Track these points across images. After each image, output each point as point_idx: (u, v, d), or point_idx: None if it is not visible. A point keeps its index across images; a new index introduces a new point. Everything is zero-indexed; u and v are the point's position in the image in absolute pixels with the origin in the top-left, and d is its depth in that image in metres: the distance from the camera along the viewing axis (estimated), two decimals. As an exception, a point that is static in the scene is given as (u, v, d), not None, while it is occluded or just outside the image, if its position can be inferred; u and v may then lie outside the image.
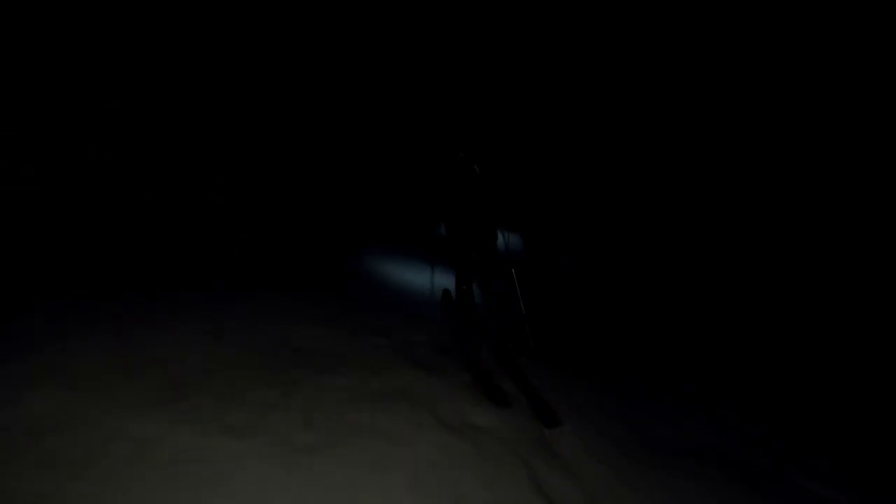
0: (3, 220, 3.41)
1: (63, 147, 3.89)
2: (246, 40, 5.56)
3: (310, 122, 6.55)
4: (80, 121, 3.99)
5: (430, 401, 2.38)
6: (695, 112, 6.89)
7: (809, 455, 3.25)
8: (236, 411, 1.96)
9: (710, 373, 4.63)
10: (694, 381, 4.35)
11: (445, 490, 1.83)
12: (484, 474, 1.97)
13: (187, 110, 5.00)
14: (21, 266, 3.03)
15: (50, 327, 2.35)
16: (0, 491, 1.44)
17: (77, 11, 3.99)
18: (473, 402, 2.52)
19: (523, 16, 7.28)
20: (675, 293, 6.30)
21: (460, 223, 3.43)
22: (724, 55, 6.50)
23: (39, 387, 1.87)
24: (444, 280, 5.01)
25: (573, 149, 7.70)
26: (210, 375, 2.18)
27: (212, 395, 2.03)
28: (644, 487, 2.32)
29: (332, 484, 1.71)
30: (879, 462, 3.31)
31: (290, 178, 6.10)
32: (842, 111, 5.78)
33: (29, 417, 1.71)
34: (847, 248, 5.49)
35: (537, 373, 3.30)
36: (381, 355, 2.77)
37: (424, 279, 4.97)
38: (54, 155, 3.83)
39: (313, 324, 3.00)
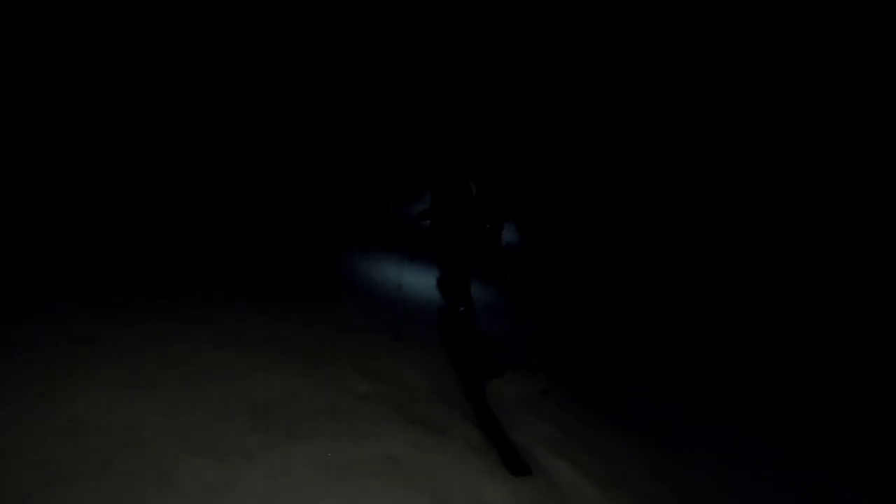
0: (3, 220, 3.41)
1: (63, 147, 3.88)
2: (246, 41, 5.56)
3: (309, 123, 6.55)
4: (80, 121, 3.99)
5: (429, 473, 1.88)
6: (695, 113, 6.89)
7: (810, 456, 3.25)
8: (165, 498, 1.47)
9: (710, 373, 4.63)
10: (694, 381, 4.35)
11: None
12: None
13: (187, 110, 4.99)
14: (20, 267, 3.02)
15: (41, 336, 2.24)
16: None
17: (77, 11, 3.98)
18: (484, 470, 2.00)
19: (523, 15, 7.28)
20: (675, 293, 6.30)
21: (456, 223, 3.36)
22: (725, 55, 6.50)
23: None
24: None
25: (573, 149, 7.69)
26: (143, 437, 1.71)
27: (142, 467, 1.56)
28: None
29: None
30: (880, 462, 3.31)
31: (290, 179, 6.09)
32: (842, 111, 5.78)
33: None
34: (847, 248, 5.49)
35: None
36: (369, 407, 2.22)
37: (420, 286, 4.66)
38: (54, 155, 3.82)
39: (290, 362, 2.45)
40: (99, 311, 2.57)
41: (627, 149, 7.47)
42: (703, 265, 6.42)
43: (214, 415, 1.91)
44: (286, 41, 6.07)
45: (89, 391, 1.89)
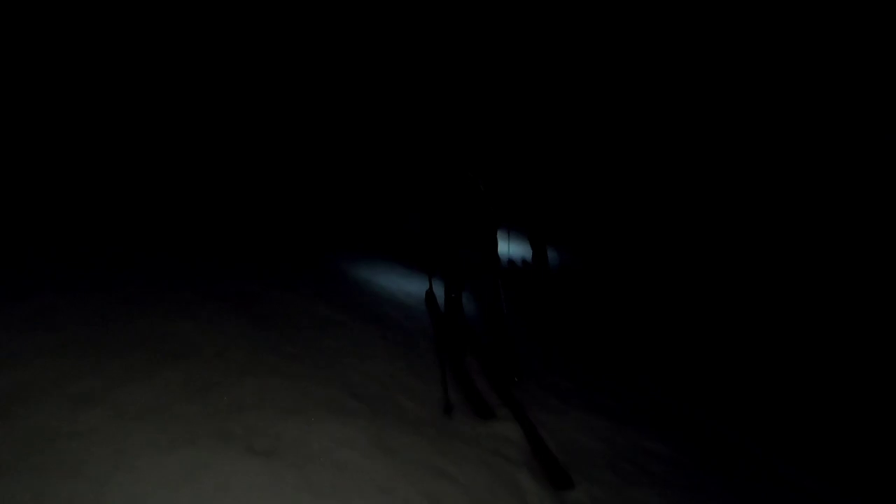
0: (2, 219, 3.42)
1: (63, 147, 3.90)
2: (246, 41, 5.57)
3: (311, 124, 6.56)
4: (80, 121, 4.01)
5: None
6: (694, 112, 6.89)
7: (808, 456, 3.25)
8: None
9: (709, 373, 4.62)
10: (693, 381, 4.35)
11: None
12: None
13: (187, 110, 5.01)
14: (18, 264, 3.03)
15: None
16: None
17: (77, 11, 4.00)
18: None
19: (521, 17, 7.29)
20: (674, 293, 6.30)
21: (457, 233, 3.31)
22: (724, 55, 6.50)
23: None
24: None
25: (573, 150, 7.70)
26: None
27: None
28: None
29: None
30: (878, 464, 3.31)
31: (291, 179, 6.10)
32: (842, 111, 5.77)
33: None
34: (845, 248, 5.48)
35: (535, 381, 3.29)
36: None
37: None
38: (54, 155, 3.84)
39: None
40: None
41: (626, 149, 7.47)
42: (702, 266, 6.41)
43: None
44: (289, 40, 6.08)
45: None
